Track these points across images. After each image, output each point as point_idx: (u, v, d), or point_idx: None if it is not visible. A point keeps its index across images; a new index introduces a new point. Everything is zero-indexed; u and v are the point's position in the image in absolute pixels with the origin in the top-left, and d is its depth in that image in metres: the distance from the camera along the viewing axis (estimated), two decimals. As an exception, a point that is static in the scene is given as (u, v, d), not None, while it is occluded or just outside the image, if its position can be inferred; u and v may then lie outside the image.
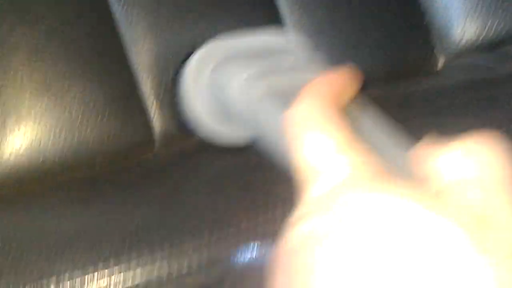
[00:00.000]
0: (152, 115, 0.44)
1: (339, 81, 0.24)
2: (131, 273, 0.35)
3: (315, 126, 0.21)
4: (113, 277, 0.35)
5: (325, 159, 0.20)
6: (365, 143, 0.21)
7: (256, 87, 0.32)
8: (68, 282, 0.34)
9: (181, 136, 0.44)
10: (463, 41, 0.51)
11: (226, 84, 0.35)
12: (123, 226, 0.38)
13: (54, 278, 0.34)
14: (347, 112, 0.23)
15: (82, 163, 0.42)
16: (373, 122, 0.25)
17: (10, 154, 0.41)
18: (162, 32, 0.44)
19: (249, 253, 0.37)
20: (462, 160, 0.19)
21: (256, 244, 0.37)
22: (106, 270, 0.35)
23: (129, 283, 0.35)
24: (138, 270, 0.35)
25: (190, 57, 0.36)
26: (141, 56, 0.44)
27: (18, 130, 0.41)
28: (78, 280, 0.35)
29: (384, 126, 0.25)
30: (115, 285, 0.35)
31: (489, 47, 0.51)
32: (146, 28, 0.44)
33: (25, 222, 0.40)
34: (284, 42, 0.39)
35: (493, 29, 0.51)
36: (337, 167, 0.19)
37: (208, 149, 0.39)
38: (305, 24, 0.48)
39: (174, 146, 0.45)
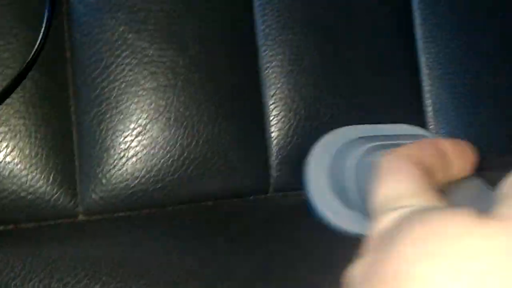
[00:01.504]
0: (271, 164, 0.43)
1: (439, 151, 0.24)
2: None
3: (397, 172, 0.21)
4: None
5: (397, 201, 0.20)
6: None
7: (372, 157, 0.32)
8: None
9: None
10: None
11: (345, 161, 0.35)
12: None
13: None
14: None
15: (196, 196, 0.42)
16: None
17: (122, 179, 0.41)
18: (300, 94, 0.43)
19: None
20: None
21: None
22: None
23: None
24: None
25: (316, 142, 0.36)
26: (275, 104, 0.43)
27: (135, 156, 0.41)
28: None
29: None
30: None
31: None
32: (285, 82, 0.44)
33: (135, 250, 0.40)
34: (408, 132, 0.39)
35: None
36: (406, 206, 0.19)
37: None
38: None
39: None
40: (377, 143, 0.34)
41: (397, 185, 0.20)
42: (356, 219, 0.36)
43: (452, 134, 0.44)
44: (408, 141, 0.33)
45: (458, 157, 0.24)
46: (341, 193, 0.35)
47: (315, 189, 0.37)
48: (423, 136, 0.38)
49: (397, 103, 0.44)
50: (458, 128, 0.45)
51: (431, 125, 0.45)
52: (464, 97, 0.45)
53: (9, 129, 0.40)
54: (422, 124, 0.45)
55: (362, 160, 0.33)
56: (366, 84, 0.44)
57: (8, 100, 0.40)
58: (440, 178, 0.23)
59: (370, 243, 0.19)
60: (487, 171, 0.25)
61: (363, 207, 0.31)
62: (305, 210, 0.43)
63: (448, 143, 0.24)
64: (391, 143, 0.34)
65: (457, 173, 0.24)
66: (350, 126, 0.38)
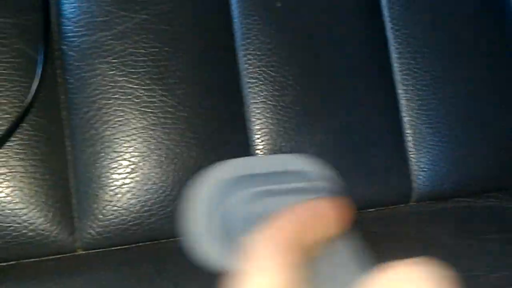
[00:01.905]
0: None
1: (311, 216, 0.23)
2: None
3: (259, 266, 0.21)
4: None
5: None
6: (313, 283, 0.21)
7: (248, 208, 0.32)
8: None
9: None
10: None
11: (232, 204, 0.35)
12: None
13: None
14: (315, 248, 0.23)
15: None
16: (339, 256, 0.24)
17: (118, 214, 0.43)
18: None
19: None
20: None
21: None
22: None
23: None
24: None
25: (205, 172, 0.36)
26: (260, 138, 0.46)
27: (129, 192, 0.43)
28: None
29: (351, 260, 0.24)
30: None
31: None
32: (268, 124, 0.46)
33: None
34: (301, 165, 0.39)
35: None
36: None
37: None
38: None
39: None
40: (259, 189, 0.33)
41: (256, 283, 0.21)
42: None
43: (432, 162, 0.46)
44: (293, 181, 0.33)
45: (333, 218, 0.24)
46: (228, 233, 0.35)
47: (193, 226, 0.36)
48: (310, 173, 0.37)
49: (380, 135, 0.46)
50: (438, 155, 0.47)
51: (412, 153, 0.47)
52: (441, 125, 0.46)
53: (9, 170, 0.42)
54: (402, 152, 0.47)
55: (250, 209, 0.32)
56: (347, 118, 0.46)
57: (7, 143, 0.42)
58: (312, 243, 0.23)
59: None
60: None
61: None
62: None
63: (323, 205, 0.24)
64: (275, 189, 0.33)
65: (331, 234, 0.23)
66: (233, 160, 0.37)
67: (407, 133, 0.47)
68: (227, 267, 0.35)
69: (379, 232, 0.45)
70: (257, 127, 0.45)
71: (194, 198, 0.35)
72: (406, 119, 0.47)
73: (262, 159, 0.38)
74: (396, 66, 0.47)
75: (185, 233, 0.35)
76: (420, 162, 0.46)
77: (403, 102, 0.47)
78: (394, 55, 0.47)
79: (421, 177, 0.46)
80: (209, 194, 0.36)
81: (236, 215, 0.33)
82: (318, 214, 0.23)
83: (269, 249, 0.22)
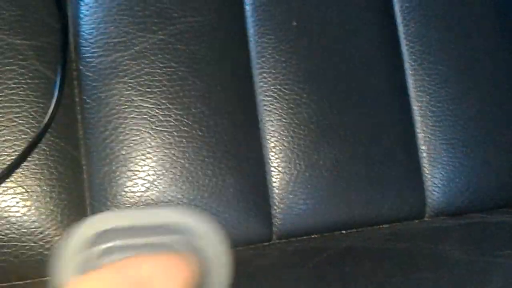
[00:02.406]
0: (274, 213, 0.46)
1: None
2: None
3: None
4: None
5: None
6: None
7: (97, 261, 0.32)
8: None
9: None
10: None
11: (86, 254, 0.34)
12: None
13: None
14: None
15: None
16: None
17: None
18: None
19: None
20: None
21: None
22: None
23: None
24: None
25: (79, 224, 0.35)
26: (275, 155, 0.46)
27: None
28: None
29: None
30: None
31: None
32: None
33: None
34: (171, 220, 0.37)
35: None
36: None
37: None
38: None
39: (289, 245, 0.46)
40: (113, 243, 0.33)
41: None
42: None
43: (447, 178, 0.46)
44: (158, 235, 0.33)
45: (163, 279, 0.23)
46: None
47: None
48: (180, 226, 0.35)
49: (394, 151, 0.46)
50: (453, 171, 0.47)
51: (426, 169, 0.47)
52: (456, 141, 0.46)
53: (25, 190, 0.42)
54: (417, 168, 0.47)
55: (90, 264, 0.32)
56: (362, 134, 0.46)
57: (24, 163, 0.42)
58: None
59: None
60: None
61: None
62: (306, 255, 0.45)
63: (150, 265, 0.23)
64: (133, 243, 0.32)
65: None
66: (104, 214, 0.36)
67: (422, 149, 0.47)
68: None
69: (392, 248, 0.45)
70: (272, 144, 0.45)
71: (61, 252, 0.34)
72: (420, 135, 0.47)
73: (140, 212, 0.36)
74: (410, 82, 0.47)
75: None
76: (434, 178, 0.46)
77: (417, 118, 0.47)
78: (409, 72, 0.48)
79: (435, 192, 0.46)
80: (73, 248, 0.35)
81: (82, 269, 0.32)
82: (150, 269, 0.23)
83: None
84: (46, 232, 0.42)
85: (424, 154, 0.47)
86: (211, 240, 0.33)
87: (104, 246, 0.32)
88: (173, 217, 0.34)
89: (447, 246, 0.45)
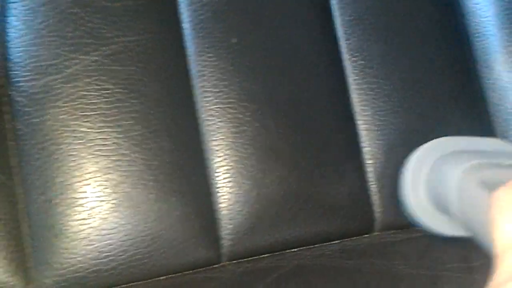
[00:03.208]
0: (221, 235, 0.44)
1: None
2: None
3: None
4: None
5: None
6: None
7: (476, 177, 0.33)
8: None
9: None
10: None
11: (446, 175, 0.36)
12: None
13: None
14: None
15: (149, 274, 0.42)
16: None
17: (75, 262, 0.41)
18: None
19: None
20: None
21: None
22: None
23: None
24: None
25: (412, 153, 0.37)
26: (221, 176, 0.44)
27: (86, 238, 0.42)
28: None
29: None
30: None
31: None
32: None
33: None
34: (506, 148, 0.40)
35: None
36: None
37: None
38: None
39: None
40: (480, 160, 0.35)
41: None
42: (451, 224, 0.37)
43: (394, 190, 0.45)
44: (505, 155, 0.35)
45: None
46: (439, 203, 0.37)
47: (412, 196, 0.38)
48: None
49: (342, 167, 0.46)
50: (400, 184, 0.46)
51: (373, 184, 0.47)
52: (401, 154, 0.46)
53: (-43, 223, 0.40)
54: (364, 182, 0.47)
55: (467, 178, 0.34)
56: (308, 152, 0.45)
57: (-45, 195, 0.40)
58: None
59: (504, 274, 0.21)
60: None
61: (465, 223, 0.33)
62: (257, 276, 0.44)
63: None
64: (494, 162, 0.35)
65: None
66: (447, 138, 0.39)
67: (368, 163, 0.46)
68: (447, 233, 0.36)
69: (343, 265, 0.45)
70: (217, 164, 0.44)
71: (411, 168, 0.37)
72: (366, 149, 0.47)
73: (468, 139, 0.40)
74: (354, 97, 0.47)
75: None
76: (381, 193, 0.46)
77: (363, 132, 0.47)
78: (352, 86, 0.47)
79: (383, 207, 0.46)
80: (426, 166, 0.37)
81: (457, 188, 0.34)
82: None
83: None
84: (-18, 266, 0.40)
85: (371, 168, 0.46)
86: None
87: (472, 162, 0.34)
88: (503, 145, 0.39)
89: (396, 261, 0.44)
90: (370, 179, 0.46)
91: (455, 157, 0.38)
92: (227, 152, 0.44)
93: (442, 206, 0.38)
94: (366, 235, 0.46)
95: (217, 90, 0.44)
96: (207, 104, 0.44)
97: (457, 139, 0.41)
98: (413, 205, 0.40)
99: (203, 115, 0.44)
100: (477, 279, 0.43)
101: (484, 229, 0.28)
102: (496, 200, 0.24)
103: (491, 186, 0.30)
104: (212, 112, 0.44)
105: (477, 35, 0.50)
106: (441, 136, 0.43)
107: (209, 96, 0.44)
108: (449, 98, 0.47)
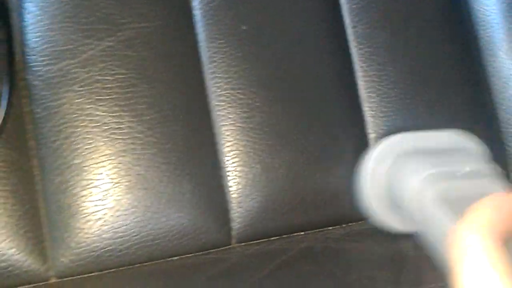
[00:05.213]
0: (231, 217, 0.45)
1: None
2: None
3: (477, 253, 0.20)
4: None
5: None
6: None
7: (432, 190, 0.33)
8: None
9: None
10: None
11: (404, 180, 0.36)
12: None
13: None
14: None
15: (161, 254, 0.44)
16: None
17: (90, 242, 0.43)
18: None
19: None
20: None
21: None
22: None
23: None
24: None
25: (372, 149, 0.37)
26: (231, 160, 0.45)
27: (101, 219, 0.43)
28: None
29: None
30: None
31: None
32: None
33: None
34: (464, 144, 0.39)
35: None
36: None
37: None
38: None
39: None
40: (436, 169, 0.35)
41: (479, 271, 0.20)
42: (405, 221, 0.38)
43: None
44: (463, 158, 0.34)
45: None
46: (396, 203, 0.37)
47: (369, 192, 0.38)
48: (476, 150, 0.38)
49: (347, 153, 0.47)
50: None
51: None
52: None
53: (-23, 202, 0.41)
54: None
55: (422, 193, 0.34)
56: (315, 137, 0.46)
57: (-26, 175, 0.42)
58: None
59: None
60: None
61: (420, 230, 0.34)
62: (266, 258, 0.45)
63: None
64: (449, 171, 0.34)
65: None
66: (404, 134, 0.39)
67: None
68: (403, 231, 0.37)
69: (349, 247, 0.46)
70: (227, 149, 0.46)
71: (366, 169, 0.37)
72: (371, 135, 0.48)
73: (423, 134, 0.40)
74: (361, 84, 0.48)
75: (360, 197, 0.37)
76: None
77: (369, 118, 0.48)
78: (359, 73, 0.48)
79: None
80: (380, 165, 0.38)
81: (415, 197, 0.34)
82: None
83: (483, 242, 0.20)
84: (2, 245, 0.42)
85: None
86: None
87: (427, 172, 0.34)
88: (458, 141, 0.38)
89: (402, 243, 0.45)
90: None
91: (414, 160, 0.38)
92: (237, 136, 0.45)
93: (398, 207, 0.38)
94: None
95: (227, 76, 0.46)
96: (218, 90, 0.46)
97: (415, 135, 0.41)
98: (370, 199, 0.40)
99: (213, 101, 0.46)
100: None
101: (438, 244, 0.29)
102: (455, 237, 0.22)
103: (446, 202, 0.31)
104: (223, 98, 0.46)
105: (482, 23, 0.51)
106: (445, 123, 0.44)
107: (220, 82, 0.46)
108: (454, 86, 0.48)
